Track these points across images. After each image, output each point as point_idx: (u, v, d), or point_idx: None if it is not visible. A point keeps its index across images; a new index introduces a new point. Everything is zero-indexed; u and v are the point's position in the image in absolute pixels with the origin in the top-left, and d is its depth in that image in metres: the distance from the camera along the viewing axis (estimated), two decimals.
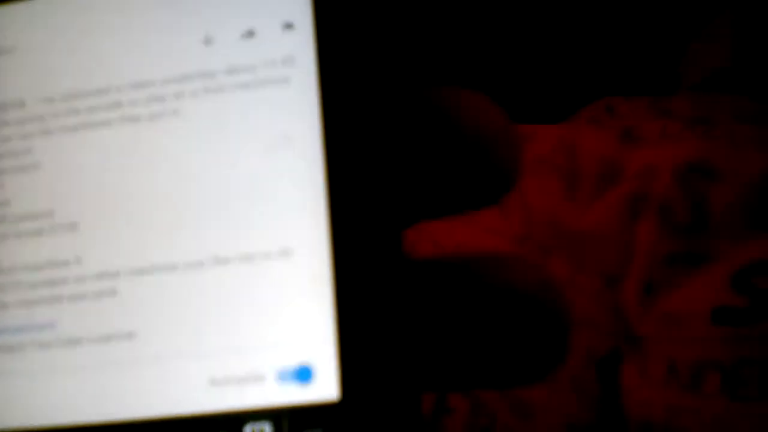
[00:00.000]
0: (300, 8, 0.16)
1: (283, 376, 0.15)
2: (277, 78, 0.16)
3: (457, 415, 0.33)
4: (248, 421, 0.15)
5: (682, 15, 0.40)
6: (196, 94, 0.16)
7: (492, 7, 0.40)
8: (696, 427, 0.32)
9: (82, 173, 0.16)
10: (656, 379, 0.34)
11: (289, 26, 0.16)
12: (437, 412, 0.34)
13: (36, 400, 0.16)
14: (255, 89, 0.16)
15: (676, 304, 0.34)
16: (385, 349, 0.14)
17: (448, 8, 0.37)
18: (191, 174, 0.16)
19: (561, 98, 0.40)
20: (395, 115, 0.15)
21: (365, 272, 0.15)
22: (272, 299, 0.15)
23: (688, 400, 0.33)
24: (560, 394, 0.35)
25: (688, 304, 0.34)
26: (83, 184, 0.16)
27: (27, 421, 0.16)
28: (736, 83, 0.39)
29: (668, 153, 0.36)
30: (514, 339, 0.15)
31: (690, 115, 0.37)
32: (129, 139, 0.16)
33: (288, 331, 0.15)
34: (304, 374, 0.15)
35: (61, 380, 0.16)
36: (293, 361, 0.15)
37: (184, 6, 0.16)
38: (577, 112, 0.40)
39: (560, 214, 0.37)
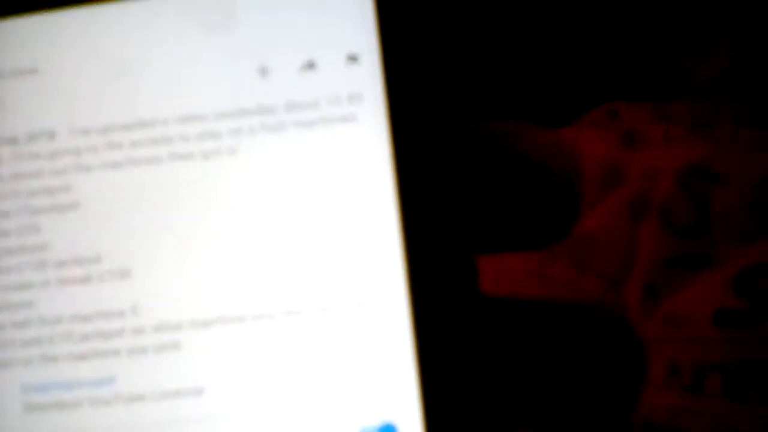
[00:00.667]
0: (365, 39, 0.14)
1: None
2: (342, 116, 0.14)
3: None
4: None
5: (685, 20, 0.41)
6: (254, 131, 0.15)
7: (497, 11, 0.40)
8: (698, 428, 0.32)
9: (130, 215, 0.15)
10: (658, 381, 0.34)
11: (353, 59, 0.14)
12: None
13: None
14: (319, 127, 0.14)
15: (678, 306, 0.34)
16: (475, 399, 0.14)
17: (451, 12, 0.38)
18: (253, 219, 0.15)
19: (564, 102, 0.40)
20: (470, 153, 0.14)
21: (446, 319, 0.14)
22: (349, 352, 0.14)
23: (690, 401, 0.33)
24: None
25: (690, 306, 0.34)
26: (132, 227, 0.15)
27: None
28: (738, 87, 0.39)
29: (670, 156, 0.36)
30: (610, 375, 0.14)
31: (692, 118, 0.38)
32: (182, 178, 0.15)
33: (368, 386, 0.14)
34: None
35: None
36: (375, 419, 0.14)
37: (235, 32, 0.15)
38: (580, 116, 0.40)
39: None
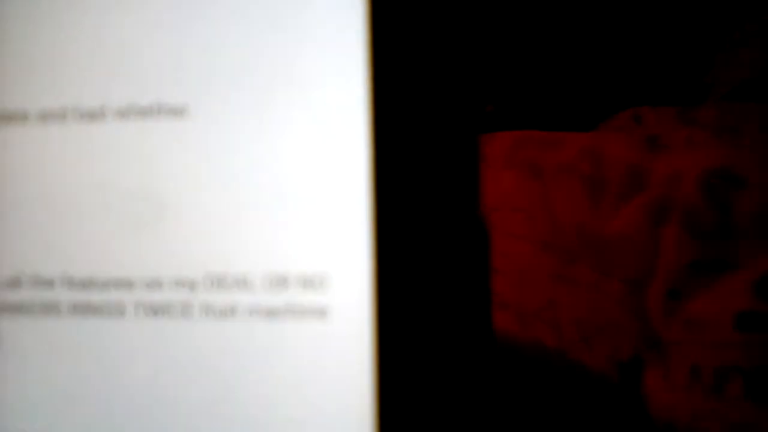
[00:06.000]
0: None
1: None
2: None
3: None
4: None
5: (711, 24, 0.41)
6: None
7: (526, 16, 0.41)
8: (719, 430, 0.33)
9: None
10: (679, 383, 0.34)
11: None
12: None
13: None
14: None
15: (700, 310, 0.35)
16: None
17: (479, 14, 0.38)
18: None
19: (589, 107, 0.41)
20: None
21: None
22: None
23: (711, 404, 0.33)
24: None
25: (712, 309, 0.34)
26: None
27: None
28: (764, 93, 0.39)
29: (693, 160, 0.36)
30: None
31: (716, 124, 0.38)
32: None
33: None
34: None
35: None
36: None
37: None
38: (605, 121, 0.41)
39: (585, 220, 0.37)
